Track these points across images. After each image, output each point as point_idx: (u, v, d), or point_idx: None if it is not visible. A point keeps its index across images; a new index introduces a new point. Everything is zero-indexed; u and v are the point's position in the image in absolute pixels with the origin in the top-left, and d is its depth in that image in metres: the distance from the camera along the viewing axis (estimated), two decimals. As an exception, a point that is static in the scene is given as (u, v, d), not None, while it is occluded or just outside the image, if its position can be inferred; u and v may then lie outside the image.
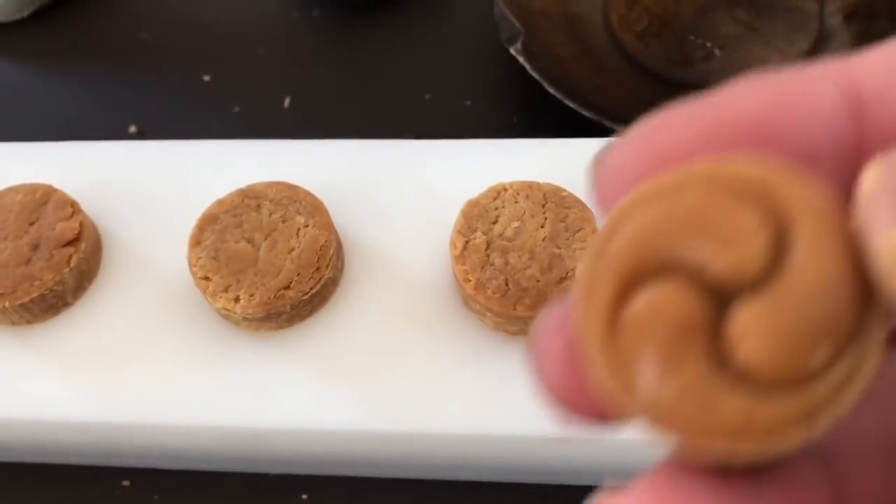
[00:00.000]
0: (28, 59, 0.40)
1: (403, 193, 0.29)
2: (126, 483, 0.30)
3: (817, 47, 0.38)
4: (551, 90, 0.34)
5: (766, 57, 0.38)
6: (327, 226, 0.27)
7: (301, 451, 0.27)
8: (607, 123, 0.33)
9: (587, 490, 0.28)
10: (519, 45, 0.35)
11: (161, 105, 0.38)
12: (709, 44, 0.38)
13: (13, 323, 0.28)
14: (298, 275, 0.26)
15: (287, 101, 0.37)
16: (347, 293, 0.27)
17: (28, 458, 0.30)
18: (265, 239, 0.27)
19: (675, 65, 0.38)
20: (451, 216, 0.27)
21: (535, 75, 0.34)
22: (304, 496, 0.29)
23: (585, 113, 0.33)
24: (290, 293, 0.26)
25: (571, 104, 0.33)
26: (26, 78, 0.39)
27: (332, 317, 0.27)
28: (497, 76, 0.37)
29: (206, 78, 0.38)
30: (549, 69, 0.35)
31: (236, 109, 0.37)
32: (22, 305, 0.27)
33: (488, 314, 0.26)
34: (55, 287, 0.27)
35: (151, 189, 0.30)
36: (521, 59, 0.34)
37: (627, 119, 0.34)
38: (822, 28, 0.38)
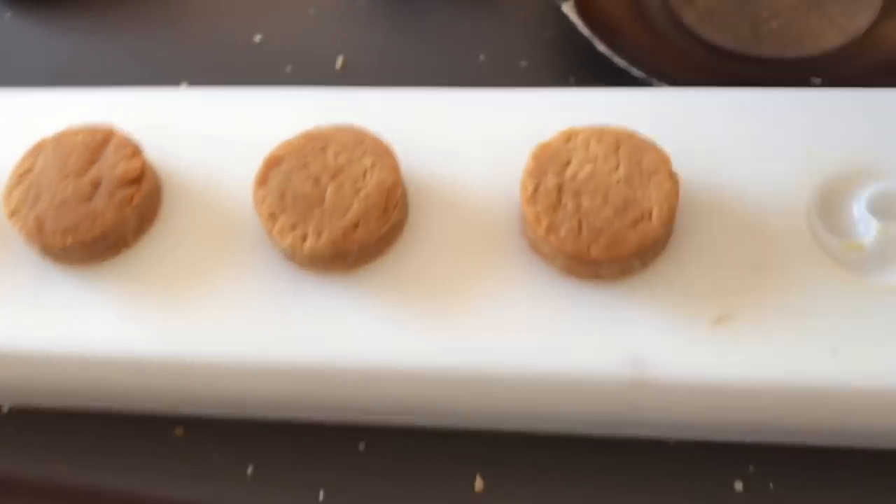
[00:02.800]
0: (82, 18, 0.40)
1: (469, 140, 0.28)
2: (179, 431, 0.30)
3: (877, 24, 0.37)
4: (602, 48, 0.33)
5: (822, 31, 0.37)
6: (394, 168, 0.27)
7: (364, 393, 0.26)
8: (656, 84, 0.32)
9: (663, 445, 0.27)
10: (571, 3, 0.34)
11: (212, 66, 0.38)
12: (765, 14, 0.38)
13: (73, 263, 0.27)
14: (366, 215, 0.26)
15: (339, 62, 0.37)
16: (413, 237, 0.27)
17: (82, 404, 0.29)
18: (332, 180, 0.26)
19: (728, 34, 0.37)
20: (517, 162, 0.27)
21: (587, 33, 0.34)
22: (362, 445, 0.29)
23: (636, 72, 0.33)
24: (359, 233, 0.26)
25: (623, 63, 0.33)
26: (80, 37, 0.39)
27: (398, 260, 0.27)
28: (553, 36, 0.37)
29: (258, 38, 0.38)
30: (602, 28, 0.34)
31: (288, 70, 0.37)
32: (83, 244, 0.26)
33: (559, 257, 0.25)
34: (117, 226, 0.26)
35: (209, 134, 0.29)
36: (572, 18, 0.34)
37: (677, 81, 0.34)
38: (885, 4, 0.38)
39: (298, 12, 0.38)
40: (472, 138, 0.28)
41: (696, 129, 0.28)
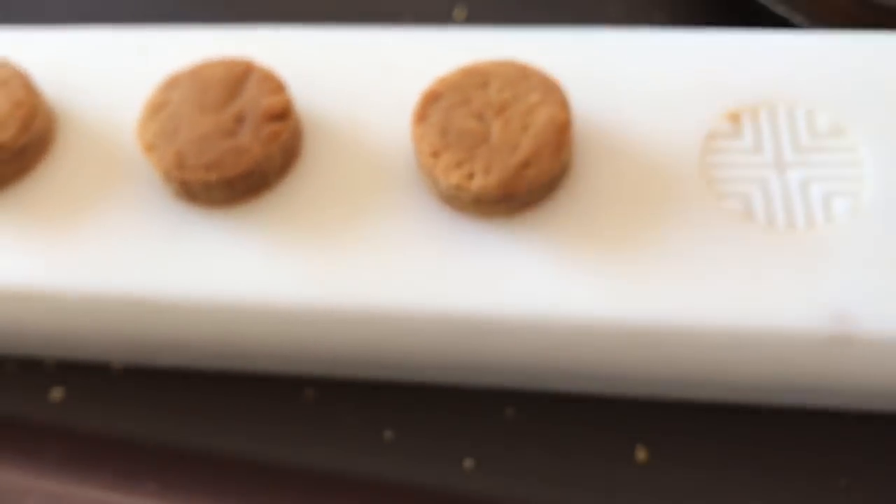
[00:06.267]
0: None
1: (640, 81, 0.26)
2: (310, 393, 0.28)
3: None
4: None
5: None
6: (564, 104, 0.24)
7: (528, 346, 0.24)
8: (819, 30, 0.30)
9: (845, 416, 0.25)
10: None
11: (324, 16, 0.36)
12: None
13: (211, 203, 0.25)
14: (538, 153, 0.24)
15: (460, 14, 0.35)
16: (579, 180, 0.25)
17: (207, 362, 0.27)
18: (497, 116, 0.24)
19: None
20: (699, 105, 0.25)
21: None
22: (510, 411, 0.27)
23: (797, 19, 0.31)
24: (531, 172, 0.23)
25: (779, 9, 0.31)
26: None
27: (566, 204, 0.25)
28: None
29: (371, -9, 0.36)
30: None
31: (406, 18, 0.35)
32: (227, 181, 0.24)
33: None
34: (263, 162, 0.24)
35: (348, 74, 0.27)
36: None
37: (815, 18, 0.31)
38: None
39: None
40: (650, 79, 0.26)
41: (600, 68, 0.27)
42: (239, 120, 0.25)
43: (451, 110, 0.25)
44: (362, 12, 0.35)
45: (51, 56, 0.29)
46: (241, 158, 0.24)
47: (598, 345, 0.24)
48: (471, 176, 0.24)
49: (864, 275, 0.23)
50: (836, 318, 0.22)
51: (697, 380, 0.25)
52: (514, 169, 0.23)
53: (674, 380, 0.25)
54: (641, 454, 0.26)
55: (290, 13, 0.36)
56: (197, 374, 0.28)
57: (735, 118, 0.26)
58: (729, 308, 0.23)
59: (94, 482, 0.26)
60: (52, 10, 0.37)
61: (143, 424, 0.27)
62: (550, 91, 0.25)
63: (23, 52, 0.29)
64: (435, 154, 0.24)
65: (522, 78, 0.25)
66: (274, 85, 0.26)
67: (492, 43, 0.27)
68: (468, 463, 0.26)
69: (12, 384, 0.29)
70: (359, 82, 0.27)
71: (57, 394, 0.28)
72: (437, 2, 0.35)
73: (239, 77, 0.26)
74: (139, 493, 0.25)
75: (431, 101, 0.25)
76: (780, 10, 0.30)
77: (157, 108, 0.26)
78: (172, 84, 0.26)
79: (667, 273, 0.23)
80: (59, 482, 0.26)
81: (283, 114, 0.25)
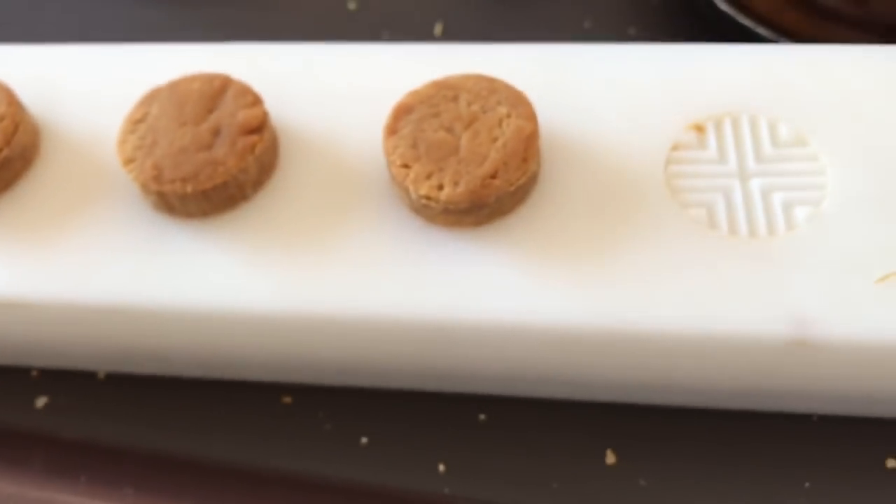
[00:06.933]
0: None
1: (606, 93, 0.27)
2: (288, 399, 0.28)
3: None
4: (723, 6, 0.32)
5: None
6: (531, 116, 0.25)
7: (498, 352, 0.25)
8: (783, 41, 0.31)
9: (808, 420, 0.26)
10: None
11: (304, 35, 0.36)
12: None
13: (188, 215, 0.26)
14: (505, 164, 0.24)
15: (438, 29, 0.36)
16: (547, 190, 0.26)
17: (185, 370, 0.28)
18: (466, 129, 0.25)
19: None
20: (664, 116, 0.26)
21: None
22: (482, 416, 0.27)
23: (761, 31, 0.31)
24: (497, 182, 0.24)
25: (745, 21, 0.31)
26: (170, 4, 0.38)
27: (533, 213, 0.25)
28: (659, 2, 0.35)
29: (352, 6, 0.37)
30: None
31: (385, 36, 0.36)
32: (203, 193, 0.25)
33: (710, 211, 0.24)
34: (238, 175, 0.25)
35: (324, 88, 0.28)
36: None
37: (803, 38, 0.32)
38: None
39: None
40: (613, 91, 0.27)
41: (567, 81, 0.28)
42: (215, 133, 0.26)
43: (422, 123, 0.25)
44: (343, 30, 0.36)
45: (35, 71, 0.30)
46: (216, 171, 0.25)
47: (564, 351, 0.24)
48: (440, 187, 0.24)
49: (823, 281, 0.23)
50: (796, 323, 0.23)
51: (663, 385, 0.26)
52: (482, 179, 0.24)
53: (641, 385, 0.26)
54: (611, 457, 0.26)
55: (276, 30, 0.37)
56: (177, 382, 0.29)
57: (699, 129, 0.26)
58: (692, 314, 0.23)
59: (73, 489, 0.27)
60: (37, 27, 0.38)
61: (124, 431, 0.28)
62: (518, 103, 0.25)
63: (6, 67, 0.29)
64: (405, 165, 0.25)
65: (491, 91, 0.26)
66: (250, 99, 0.26)
67: (464, 58, 0.28)
68: (442, 467, 0.27)
69: (-3, 393, 0.29)
70: (334, 96, 0.28)
71: (41, 402, 0.29)
72: (418, 18, 0.36)
73: (216, 91, 0.26)
74: (115, 498, 0.26)
75: (403, 114, 0.26)
76: (746, 22, 0.31)
77: (136, 122, 0.26)
78: (151, 98, 0.27)
79: (632, 280, 0.24)
80: (41, 489, 0.27)
81: (258, 127, 0.26)
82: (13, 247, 0.27)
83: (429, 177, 0.24)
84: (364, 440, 0.27)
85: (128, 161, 0.26)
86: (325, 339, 0.25)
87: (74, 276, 0.26)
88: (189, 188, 0.25)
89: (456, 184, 0.24)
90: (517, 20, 0.36)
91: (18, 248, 0.26)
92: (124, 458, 0.27)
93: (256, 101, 0.26)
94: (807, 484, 0.25)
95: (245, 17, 0.37)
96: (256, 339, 0.26)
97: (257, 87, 0.28)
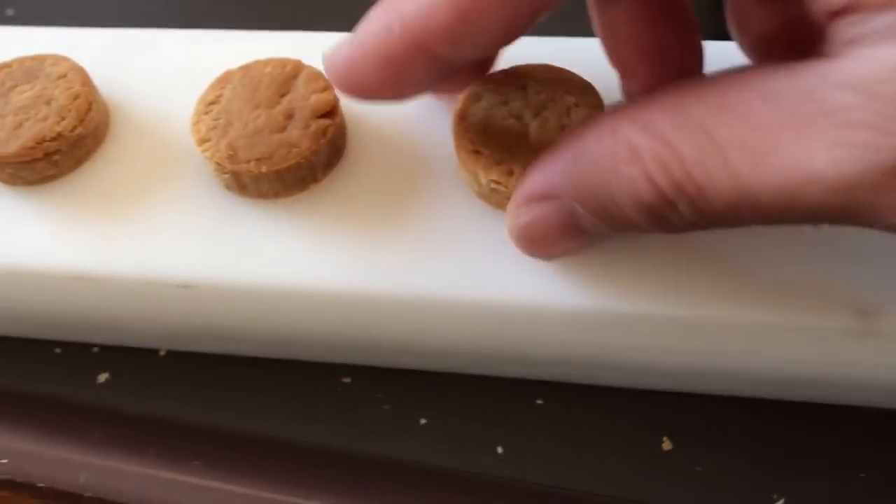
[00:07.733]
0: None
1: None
2: (347, 380, 0.29)
3: None
4: None
5: None
6: (599, 105, 0.26)
7: (556, 336, 0.25)
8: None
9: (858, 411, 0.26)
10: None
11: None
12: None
13: (260, 195, 0.26)
14: (573, 151, 0.25)
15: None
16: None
17: (250, 349, 0.29)
18: (535, 117, 0.26)
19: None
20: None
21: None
22: (539, 401, 0.28)
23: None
24: (569, 169, 0.25)
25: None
26: None
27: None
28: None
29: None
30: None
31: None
32: (277, 173, 0.26)
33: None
34: (311, 157, 0.26)
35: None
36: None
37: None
38: None
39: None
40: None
41: None
42: (288, 116, 0.26)
43: (491, 110, 0.26)
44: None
45: (106, 54, 0.30)
46: (290, 152, 0.26)
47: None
48: (510, 172, 0.25)
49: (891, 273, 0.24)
50: (860, 313, 0.24)
51: (720, 375, 0.26)
52: (552, 166, 0.25)
53: (699, 373, 0.26)
54: (667, 444, 0.27)
55: (333, 19, 0.37)
56: (236, 360, 0.29)
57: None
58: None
59: (139, 460, 0.27)
60: (106, 12, 0.39)
61: (186, 407, 0.28)
62: (586, 93, 0.26)
63: (80, 49, 0.30)
64: (476, 152, 0.25)
65: (559, 81, 0.26)
66: (322, 83, 0.27)
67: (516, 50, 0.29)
68: (500, 449, 0.27)
69: (61, 369, 0.30)
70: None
71: (103, 377, 0.29)
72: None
73: (288, 75, 0.27)
74: (186, 470, 0.27)
75: (472, 100, 0.26)
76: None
77: (210, 103, 0.27)
78: (224, 81, 0.27)
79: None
80: (106, 459, 0.27)
81: (331, 111, 0.26)
82: (85, 222, 0.27)
83: (499, 163, 0.25)
84: (423, 421, 0.28)
85: (202, 141, 0.26)
86: (389, 320, 0.26)
87: (144, 252, 0.26)
88: (264, 168, 0.25)
89: (526, 170, 0.25)
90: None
91: (90, 223, 0.27)
92: (187, 434, 0.28)
93: (328, 86, 0.27)
94: (862, 474, 0.26)
95: (297, 8, 0.38)
96: (322, 319, 0.26)
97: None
